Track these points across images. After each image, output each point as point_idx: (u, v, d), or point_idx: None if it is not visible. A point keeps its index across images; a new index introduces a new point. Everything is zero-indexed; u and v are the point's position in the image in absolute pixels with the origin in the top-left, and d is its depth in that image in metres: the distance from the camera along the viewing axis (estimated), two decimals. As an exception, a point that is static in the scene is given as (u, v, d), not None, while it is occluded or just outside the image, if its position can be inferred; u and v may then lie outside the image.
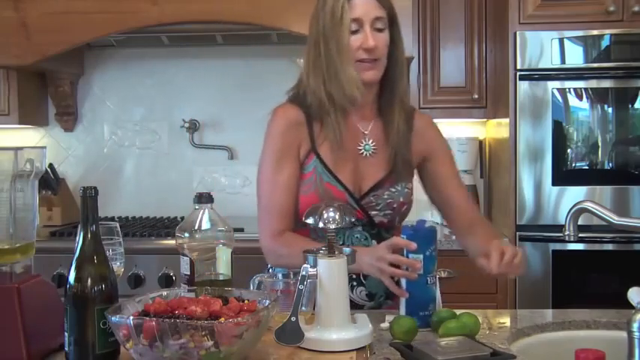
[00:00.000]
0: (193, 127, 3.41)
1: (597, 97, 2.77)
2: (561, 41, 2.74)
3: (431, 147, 1.76)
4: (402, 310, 1.47)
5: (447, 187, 1.77)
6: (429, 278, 1.44)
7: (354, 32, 1.61)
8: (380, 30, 1.63)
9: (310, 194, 1.65)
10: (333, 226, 1.32)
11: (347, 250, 1.38)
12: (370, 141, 1.70)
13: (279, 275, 1.54)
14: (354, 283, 1.66)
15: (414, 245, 1.41)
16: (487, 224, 1.87)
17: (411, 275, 1.42)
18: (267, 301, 1.22)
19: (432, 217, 3.35)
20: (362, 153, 1.70)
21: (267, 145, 1.69)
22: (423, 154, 1.76)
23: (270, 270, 1.72)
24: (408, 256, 1.44)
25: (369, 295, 1.69)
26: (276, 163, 1.66)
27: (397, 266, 1.44)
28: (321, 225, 1.32)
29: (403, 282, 1.47)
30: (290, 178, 1.65)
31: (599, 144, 2.77)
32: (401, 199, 1.70)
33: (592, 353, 1.17)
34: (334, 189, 1.65)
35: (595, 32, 2.73)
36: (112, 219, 3.22)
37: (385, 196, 1.68)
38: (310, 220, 1.34)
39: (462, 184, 1.84)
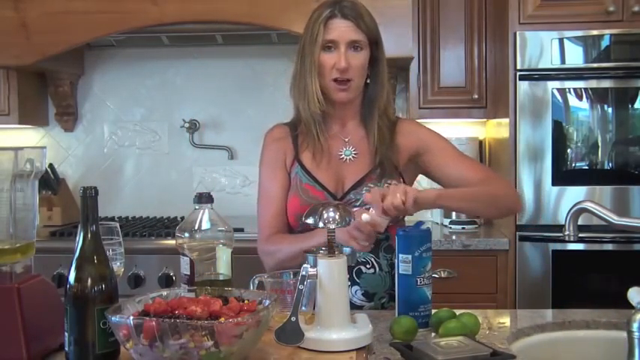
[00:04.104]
0: (193, 127, 3.41)
1: (597, 97, 2.77)
2: (561, 41, 2.74)
3: (421, 139, 1.78)
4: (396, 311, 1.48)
5: (455, 168, 1.74)
6: (418, 279, 1.43)
7: (330, 51, 1.69)
8: (356, 50, 1.69)
9: (292, 197, 1.75)
10: (333, 226, 1.32)
11: (347, 249, 1.38)
12: (351, 147, 1.78)
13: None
14: (348, 283, 1.66)
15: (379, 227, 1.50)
16: (496, 183, 1.75)
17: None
18: (267, 301, 1.22)
19: (432, 217, 3.36)
20: (342, 158, 1.77)
21: (259, 163, 1.83)
22: (415, 149, 1.77)
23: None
24: (399, 256, 1.44)
25: (367, 295, 1.70)
26: (265, 176, 1.80)
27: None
28: (321, 225, 1.32)
29: (396, 280, 1.47)
30: (279, 188, 1.76)
31: (599, 144, 2.77)
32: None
33: None
34: (312, 189, 1.72)
35: (595, 32, 2.73)
36: (112, 219, 3.22)
37: (363, 192, 1.70)
38: (310, 220, 1.34)
39: (468, 159, 1.79)
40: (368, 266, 1.71)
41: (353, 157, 1.77)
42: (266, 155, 1.82)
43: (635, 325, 1.21)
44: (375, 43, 1.73)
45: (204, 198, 1.41)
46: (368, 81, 1.76)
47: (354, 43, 1.68)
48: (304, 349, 1.27)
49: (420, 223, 1.50)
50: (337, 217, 1.32)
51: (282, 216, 1.76)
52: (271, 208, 1.76)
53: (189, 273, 1.40)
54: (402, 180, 1.74)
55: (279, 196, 1.76)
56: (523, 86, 2.76)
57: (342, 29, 1.67)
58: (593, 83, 2.75)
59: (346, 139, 1.78)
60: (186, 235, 1.40)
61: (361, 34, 1.68)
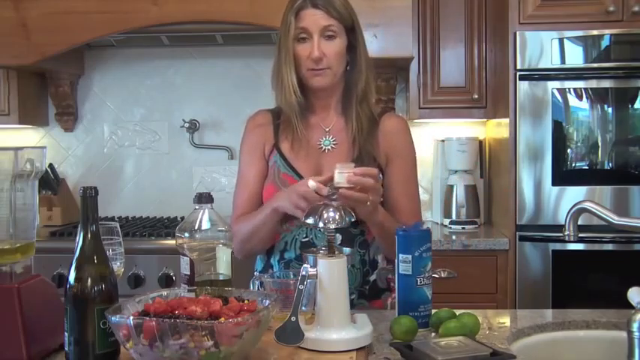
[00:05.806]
0: (193, 127, 3.41)
1: (597, 97, 2.77)
2: (561, 41, 2.74)
3: (391, 150, 1.77)
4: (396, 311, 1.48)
5: (394, 191, 1.74)
6: (418, 279, 1.43)
7: (304, 41, 1.69)
8: (330, 38, 1.68)
9: (269, 185, 1.76)
10: (333, 226, 1.32)
11: (347, 250, 1.38)
12: (330, 137, 1.77)
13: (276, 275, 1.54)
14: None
15: (323, 190, 1.43)
16: None
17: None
18: (267, 301, 1.22)
19: (432, 217, 3.36)
20: (321, 148, 1.77)
21: (240, 146, 1.86)
22: (386, 155, 1.76)
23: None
24: (399, 256, 1.44)
25: None
26: (244, 162, 1.82)
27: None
28: (320, 225, 1.32)
29: (396, 280, 1.47)
30: (255, 175, 1.78)
31: (599, 144, 2.77)
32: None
33: None
34: (290, 179, 1.72)
35: (595, 32, 2.73)
36: (112, 219, 3.22)
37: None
38: (310, 220, 1.34)
39: (411, 193, 1.78)
40: None
41: (332, 147, 1.76)
42: (246, 140, 1.84)
43: (635, 325, 1.21)
44: (350, 29, 1.72)
45: (204, 198, 1.42)
46: (348, 68, 1.75)
47: (327, 30, 1.67)
48: (304, 349, 1.27)
49: (420, 223, 1.50)
50: (337, 217, 1.32)
51: (255, 201, 1.77)
52: (245, 192, 1.79)
53: (189, 273, 1.41)
54: (381, 175, 1.72)
55: (255, 182, 1.78)
56: (523, 86, 2.76)
57: (312, 18, 1.67)
58: (593, 83, 2.75)
59: (327, 129, 1.78)
60: (186, 235, 1.40)
61: (333, 20, 1.67)
